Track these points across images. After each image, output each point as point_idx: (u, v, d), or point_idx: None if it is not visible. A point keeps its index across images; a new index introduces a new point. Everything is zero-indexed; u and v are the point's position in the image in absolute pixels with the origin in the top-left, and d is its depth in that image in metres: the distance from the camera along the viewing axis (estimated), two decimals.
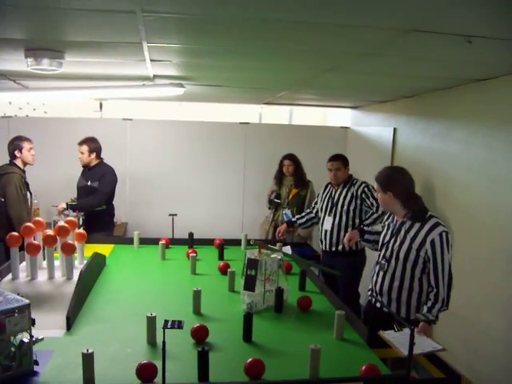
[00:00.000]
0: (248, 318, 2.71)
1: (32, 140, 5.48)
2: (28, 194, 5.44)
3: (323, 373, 2.29)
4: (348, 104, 7.10)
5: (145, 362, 2.22)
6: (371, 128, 6.55)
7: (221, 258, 4.34)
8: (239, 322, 2.75)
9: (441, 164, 4.64)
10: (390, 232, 3.63)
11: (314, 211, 5.21)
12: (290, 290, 3.41)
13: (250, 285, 3.16)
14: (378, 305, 3.64)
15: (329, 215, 4.98)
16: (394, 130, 5.70)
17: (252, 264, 3.19)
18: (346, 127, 7.46)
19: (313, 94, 5.81)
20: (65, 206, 5.31)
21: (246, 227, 6.98)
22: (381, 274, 3.62)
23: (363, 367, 2.28)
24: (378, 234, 3.80)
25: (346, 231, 4.73)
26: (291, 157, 6.02)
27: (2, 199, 5.19)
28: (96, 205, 5.55)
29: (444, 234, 3.34)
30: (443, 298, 3.29)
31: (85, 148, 5.53)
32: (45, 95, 4.74)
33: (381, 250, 3.67)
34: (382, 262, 3.60)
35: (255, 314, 2.91)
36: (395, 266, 3.51)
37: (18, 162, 5.38)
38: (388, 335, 2.58)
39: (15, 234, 3.33)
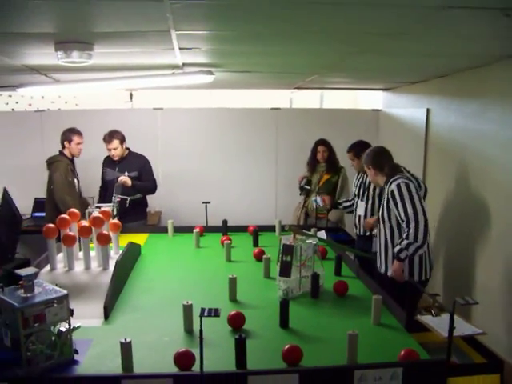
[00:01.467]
0: (284, 305, 2.70)
1: (82, 135, 5.58)
2: (75, 180, 5.57)
3: (361, 358, 2.27)
4: (379, 86, 7.00)
5: (182, 350, 2.23)
6: (404, 110, 6.45)
7: (255, 244, 4.34)
8: (276, 309, 2.75)
9: (476, 144, 4.56)
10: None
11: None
12: (326, 275, 3.39)
13: (285, 271, 3.15)
14: (382, 271, 4.01)
15: (361, 200, 4.97)
16: (428, 110, 5.60)
17: (287, 250, 3.18)
18: (378, 110, 7.37)
19: (343, 77, 5.74)
20: (129, 181, 5.42)
21: (280, 213, 6.96)
22: (376, 239, 4.10)
23: (402, 352, 2.25)
24: None
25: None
26: (325, 142, 5.88)
27: (52, 186, 5.42)
28: (152, 190, 5.80)
29: (402, 184, 3.71)
30: (414, 237, 3.59)
31: (116, 142, 5.51)
32: (75, 87, 4.76)
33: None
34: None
35: (291, 300, 2.90)
36: (379, 227, 4.00)
37: (66, 152, 5.57)
38: (426, 319, 2.55)
39: (51, 225, 3.37)
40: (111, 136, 5.52)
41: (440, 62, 4.30)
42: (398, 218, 3.73)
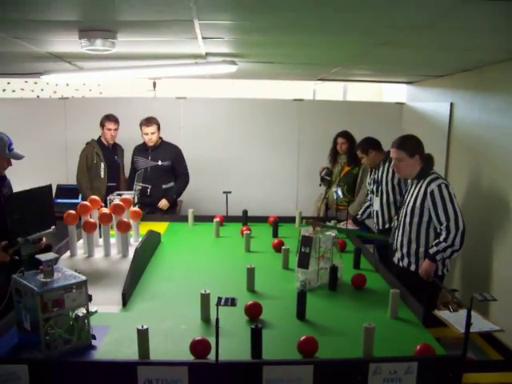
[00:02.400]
0: (302, 296, 2.70)
1: (116, 121, 5.75)
2: (102, 164, 5.76)
3: (377, 351, 2.27)
4: (403, 79, 6.94)
5: (198, 338, 2.24)
6: (427, 103, 6.39)
7: (275, 235, 4.34)
8: (293, 300, 2.75)
9: (500, 140, 4.50)
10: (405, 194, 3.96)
11: (368, 198, 5.26)
12: (345, 267, 3.38)
13: (303, 262, 3.16)
14: (401, 264, 3.89)
15: (376, 196, 5.03)
16: (451, 105, 5.55)
17: (306, 241, 3.18)
18: (402, 103, 7.30)
19: (367, 69, 5.70)
20: (167, 203, 5.69)
21: (301, 205, 6.95)
22: (396, 232, 3.93)
23: (418, 347, 2.25)
24: None
25: (395, 207, 4.79)
26: (345, 134, 5.90)
27: None
28: (187, 184, 5.95)
29: (443, 185, 3.61)
30: (453, 241, 3.51)
31: (155, 127, 5.60)
32: (99, 75, 4.81)
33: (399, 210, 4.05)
34: (395, 220, 3.97)
35: (309, 291, 2.90)
36: (404, 221, 3.81)
37: (102, 137, 5.83)
38: (443, 315, 2.54)
39: (72, 212, 3.40)
40: (150, 120, 5.60)
41: (465, 55, 4.25)
42: (434, 219, 3.61)
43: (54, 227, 3.08)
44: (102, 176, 5.74)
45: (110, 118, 5.73)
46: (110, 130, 5.71)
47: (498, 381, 2.24)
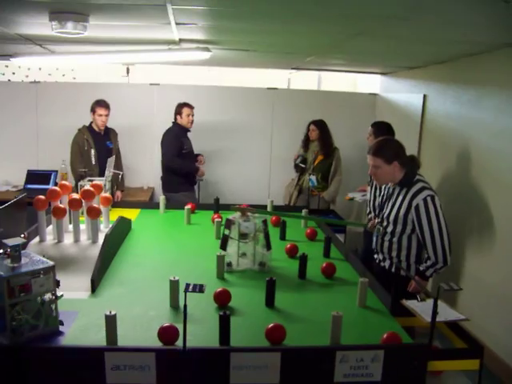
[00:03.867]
0: (271, 284, 2.71)
1: (107, 107, 5.79)
2: (92, 151, 5.80)
3: (344, 340, 2.29)
4: (377, 70, 6.98)
5: (167, 324, 2.24)
6: (401, 95, 6.44)
7: None
8: (262, 288, 2.75)
9: (472, 131, 4.55)
10: (385, 197, 3.81)
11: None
12: (315, 256, 3.41)
13: (223, 244, 3.26)
14: (382, 264, 3.82)
15: (368, 185, 5.08)
16: (424, 96, 5.59)
17: (228, 224, 3.26)
18: (375, 94, 7.35)
19: (341, 59, 5.72)
20: None
21: (273, 193, 6.98)
22: (377, 236, 3.83)
23: (385, 335, 2.27)
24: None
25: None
26: (317, 122, 6.11)
27: None
28: None
29: (429, 198, 3.44)
30: (436, 257, 3.43)
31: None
32: (71, 59, 4.76)
33: (378, 214, 3.90)
34: (377, 226, 3.80)
35: (278, 279, 2.87)
36: (386, 226, 3.69)
37: (93, 123, 5.85)
38: (411, 304, 2.56)
39: (42, 197, 3.36)
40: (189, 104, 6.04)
41: (439, 47, 4.29)
42: (419, 235, 3.49)
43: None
44: (94, 163, 5.78)
45: (100, 103, 5.76)
46: (100, 115, 5.76)
47: (462, 368, 2.28)
